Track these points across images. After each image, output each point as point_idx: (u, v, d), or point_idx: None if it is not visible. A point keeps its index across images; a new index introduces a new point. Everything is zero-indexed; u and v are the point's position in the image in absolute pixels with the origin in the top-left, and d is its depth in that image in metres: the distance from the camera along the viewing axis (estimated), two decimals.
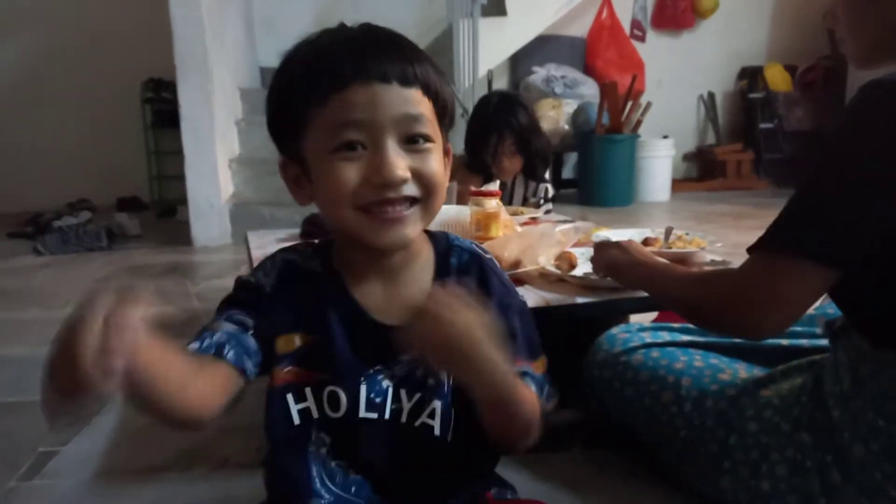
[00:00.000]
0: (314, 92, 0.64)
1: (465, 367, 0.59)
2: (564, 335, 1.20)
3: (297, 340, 0.71)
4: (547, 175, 2.32)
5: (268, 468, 0.75)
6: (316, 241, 0.78)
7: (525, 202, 2.29)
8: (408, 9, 4.74)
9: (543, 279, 1.27)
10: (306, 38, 0.69)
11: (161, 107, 4.81)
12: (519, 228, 1.57)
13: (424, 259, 0.74)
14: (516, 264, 1.27)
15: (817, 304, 1.24)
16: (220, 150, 3.44)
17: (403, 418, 0.71)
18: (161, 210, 4.57)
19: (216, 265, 3.01)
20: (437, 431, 0.71)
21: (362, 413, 0.70)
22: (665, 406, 1.01)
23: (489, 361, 0.59)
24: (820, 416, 0.87)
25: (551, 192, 2.33)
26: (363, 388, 0.70)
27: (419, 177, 0.66)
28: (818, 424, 0.87)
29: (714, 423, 0.95)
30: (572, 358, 1.17)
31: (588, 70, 4.93)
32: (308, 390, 0.71)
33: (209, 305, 2.29)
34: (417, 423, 0.71)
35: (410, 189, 0.66)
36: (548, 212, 2.19)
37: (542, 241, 1.32)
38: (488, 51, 4.22)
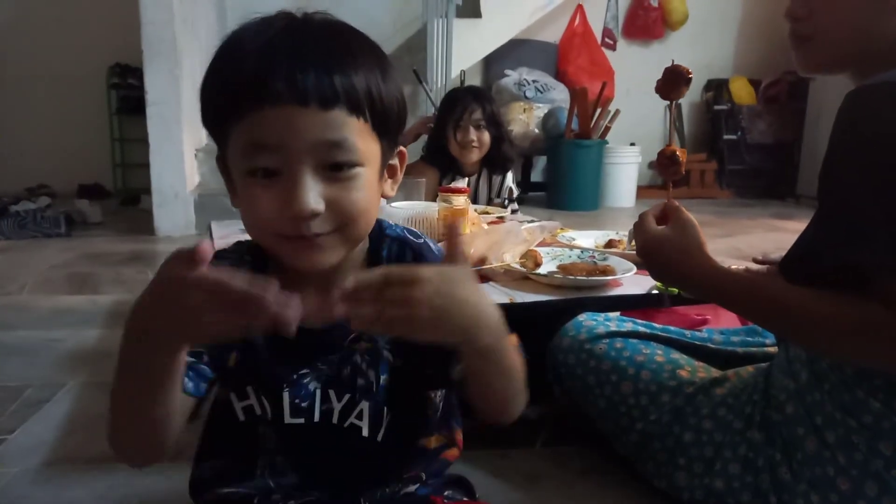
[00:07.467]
0: (228, 107, 0.59)
1: (456, 314, 0.53)
2: (527, 334, 1.21)
3: (231, 359, 0.69)
4: (510, 176, 2.33)
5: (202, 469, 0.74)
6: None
7: (490, 202, 2.30)
8: (384, 5, 4.72)
9: (508, 276, 1.28)
10: (234, 32, 0.62)
11: (127, 93, 4.71)
12: (486, 227, 1.58)
13: (357, 254, 0.69)
14: (482, 261, 1.27)
15: None
16: (186, 139, 3.37)
17: (335, 419, 0.69)
18: (124, 198, 4.46)
19: None
20: (364, 432, 0.70)
21: (287, 420, 0.69)
22: (624, 397, 1.02)
23: (476, 304, 0.55)
24: (771, 414, 0.89)
25: (516, 192, 2.34)
26: (286, 395, 0.68)
27: (336, 208, 0.60)
28: (769, 422, 0.89)
29: (670, 418, 0.97)
30: (534, 356, 1.18)
31: (559, 75, 4.97)
32: (250, 388, 0.69)
33: None
34: (346, 424, 0.70)
35: (322, 224, 0.59)
36: (514, 211, 2.21)
37: (508, 239, 1.33)
38: (462, 51, 4.23)
